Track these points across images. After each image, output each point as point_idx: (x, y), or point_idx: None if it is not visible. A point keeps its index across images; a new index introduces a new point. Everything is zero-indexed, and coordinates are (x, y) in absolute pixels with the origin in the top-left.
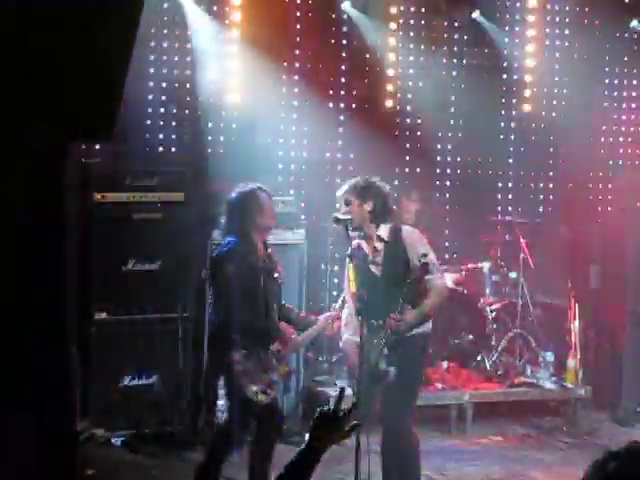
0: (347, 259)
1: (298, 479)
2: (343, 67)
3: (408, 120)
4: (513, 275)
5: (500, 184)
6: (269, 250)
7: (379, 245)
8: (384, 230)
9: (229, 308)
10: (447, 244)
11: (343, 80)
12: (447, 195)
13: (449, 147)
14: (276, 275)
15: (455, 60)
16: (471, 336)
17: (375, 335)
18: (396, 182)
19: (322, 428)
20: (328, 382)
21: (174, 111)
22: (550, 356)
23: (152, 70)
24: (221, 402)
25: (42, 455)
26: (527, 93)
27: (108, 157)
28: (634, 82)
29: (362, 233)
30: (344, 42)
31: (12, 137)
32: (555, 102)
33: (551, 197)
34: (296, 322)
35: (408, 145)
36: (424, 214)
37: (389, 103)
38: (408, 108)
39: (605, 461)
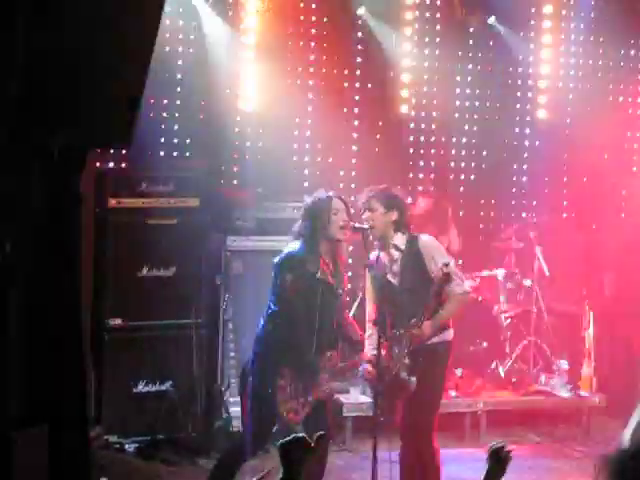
0: (366, 269)
1: None
2: (358, 72)
3: (422, 125)
4: (527, 282)
5: (514, 190)
6: (337, 261)
7: (396, 254)
8: (400, 239)
9: (280, 317)
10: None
11: (357, 85)
12: (461, 201)
13: (463, 152)
14: (339, 290)
15: (470, 66)
16: (485, 343)
17: (395, 345)
18: (409, 188)
19: (289, 456)
20: (341, 389)
21: (189, 115)
22: (564, 364)
23: (167, 75)
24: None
25: (57, 465)
26: (542, 99)
27: (123, 162)
28: None
29: (382, 242)
30: (359, 47)
31: (30, 143)
32: (570, 108)
33: (566, 203)
34: (356, 342)
35: (422, 150)
36: (439, 215)
37: (403, 108)
38: (422, 114)
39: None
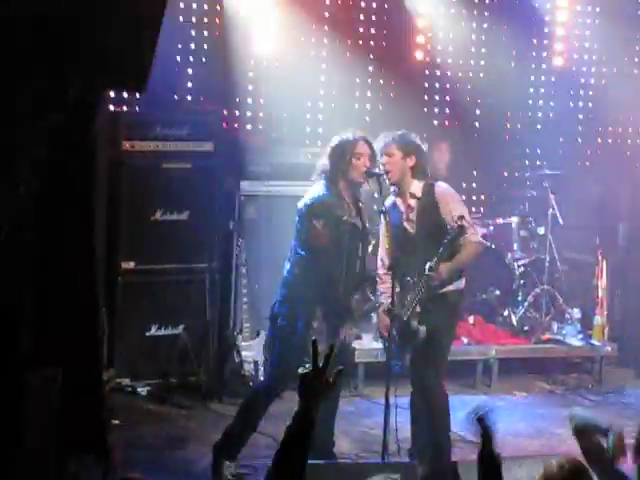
0: (381, 215)
1: (297, 444)
2: (373, 17)
3: (437, 72)
4: (541, 230)
5: (529, 138)
6: (360, 205)
7: (412, 202)
8: (417, 187)
9: (309, 261)
10: (474, 197)
11: (373, 31)
12: (476, 148)
13: (478, 100)
14: (365, 231)
15: (486, 13)
16: (498, 291)
17: (408, 292)
18: (425, 135)
19: (307, 387)
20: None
21: (203, 60)
22: (577, 313)
23: (181, 18)
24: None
25: (70, 405)
26: (559, 46)
27: (137, 106)
28: None
29: (398, 189)
30: None
31: (46, 85)
32: (587, 56)
33: (582, 151)
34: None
35: (437, 97)
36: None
37: (419, 55)
38: (438, 60)
39: None
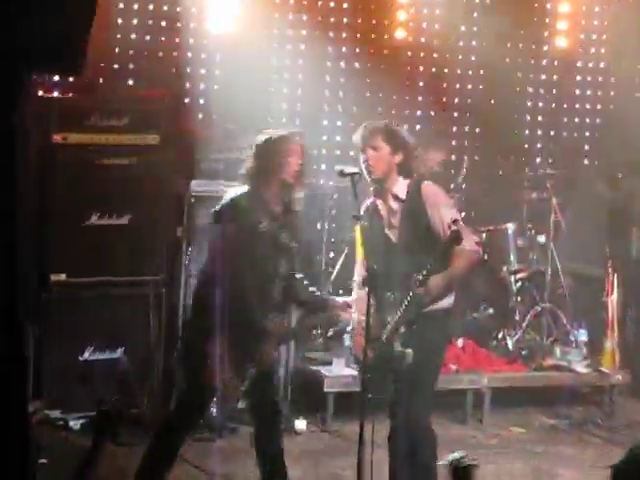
0: (357, 221)
1: None
2: None
3: (422, 54)
4: (542, 239)
5: (528, 131)
6: (293, 213)
7: (395, 205)
8: (401, 187)
9: (218, 275)
10: (464, 199)
11: (346, 6)
12: (466, 143)
13: (469, 87)
14: (292, 244)
15: None
16: (491, 310)
17: (389, 310)
18: (406, 126)
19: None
20: (322, 360)
21: (147, 38)
22: (583, 335)
23: None
24: None
25: None
26: (562, 25)
27: (70, 92)
28: None
29: (380, 187)
30: None
31: None
32: (595, 36)
33: (587, 147)
34: (306, 302)
35: (421, 83)
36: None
37: (400, 34)
38: (422, 39)
39: None
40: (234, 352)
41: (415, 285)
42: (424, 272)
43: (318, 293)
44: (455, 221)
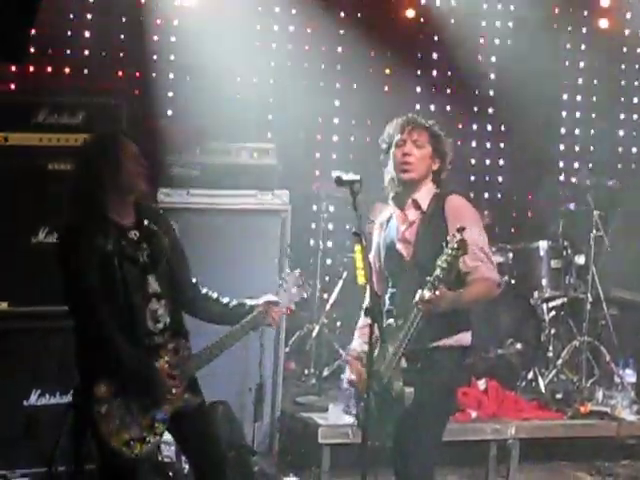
0: (356, 238)
1: None
2: None
3: (435, 37)
4: (580, 260)
5: (564, 130)
6: (152, 224)
7: (413, 215)
8: (424, 194)
9: (79, 316)
10: (486, 212)
11: None
12: (488, 144)
13: (492, 76)
14: (161, 254)
15: None
16: (519, 345)
17: (392, 341)
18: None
19: None
20: (316, 406)
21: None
22: (631, 375)
23: None
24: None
25: None
26: (605, 3)
27: (13, 83)
28: None
29: (404, 192)
30: None
31: None
32: None
33: (635, 150)
34: (221, 315)
35: (435, 73)
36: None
37: (410, 13)
38: (436, 20)
39: None
40: (125, 405)
41: (418, 298)
42: (429, 284)
43: (234, 302)
44: (462, 229)
